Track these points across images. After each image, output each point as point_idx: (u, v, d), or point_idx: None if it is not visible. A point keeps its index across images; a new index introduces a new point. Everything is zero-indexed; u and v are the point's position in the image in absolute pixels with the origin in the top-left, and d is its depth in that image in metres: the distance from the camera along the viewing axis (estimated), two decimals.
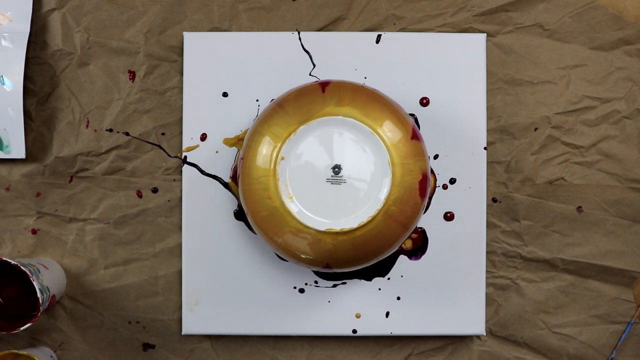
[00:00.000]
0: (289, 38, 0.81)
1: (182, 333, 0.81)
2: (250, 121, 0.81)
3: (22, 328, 0.73)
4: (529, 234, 0.82)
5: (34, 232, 0.82)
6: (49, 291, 0.75)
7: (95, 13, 0.82)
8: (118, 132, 0.82)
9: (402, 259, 0.81)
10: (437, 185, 0.81)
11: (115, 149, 0.82)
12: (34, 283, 0.72)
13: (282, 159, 0.70)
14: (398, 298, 0.81)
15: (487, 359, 0.82)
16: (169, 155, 0.82)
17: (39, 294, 0.72)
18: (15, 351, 0.76)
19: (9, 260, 0.72)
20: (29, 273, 0.72)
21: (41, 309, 0.73)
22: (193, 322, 0.81)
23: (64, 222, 0.82)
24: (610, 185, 0.82)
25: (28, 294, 0.79)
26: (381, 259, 0.74)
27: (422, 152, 0.72)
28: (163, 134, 0.82)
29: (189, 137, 0.81)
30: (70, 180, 0.82)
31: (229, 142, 0.81)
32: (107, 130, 0.82)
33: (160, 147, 0.82)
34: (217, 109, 0.81)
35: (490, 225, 0.82)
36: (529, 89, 0.82)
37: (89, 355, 0.82)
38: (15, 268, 0.79)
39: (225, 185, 0.81)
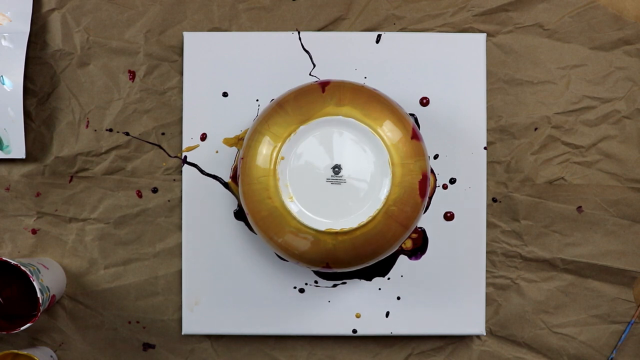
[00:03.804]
0: (289, 38, 0.81)
1: (182, 333, 0.81)
2: (250, 121, 0.81)
3: (22, 328, 0.73)
4: (529, 234, 0.82)
5: (34, 232, 0.82)
6: (49, 291, 0.75)
7: (95, 13, 0.82)
8: (118, 132, 0.82)
9: (402, 259, 0.81)
10: (437, 185, 0.81)
11: (115, 149, 0.82)
12: (34, 283, 0.72)
13: (282, 158, 0.70)
14: (398, 298, 0.81)
15: (487, 359, 0.82)
16: (169, 155, 0.82)
17: (39, 294, 0.72)
18: (15, 351, 0.76)
19: (9, 260, 0.72)
20: (29, 273, 0.72)
21: (41, 309, 0.73)
22: (193, 322, 0.81)
23: (64, 222, 0.82)
24: (610, 185, 0.82)
25: (28, 294, 0.79)
26: (381, 259, 0.74)
27: (422, 152, 0.72)
28: (163, 134, 0.82)
29: (189, 137, 0.81)
30: (70, 180, 0.82)
31: (229, 142, 0.81)
32: (107, 130, 0.82)
33: (160, 147, 0.82)
34: (217, 109, 0.81)
35: (490, 225, 0.82)
36: (529, 89, 0.82)
37: (89, 355, 0.82)
38: (15, 268, 0.78)
39: (225, 185, 0.81)
